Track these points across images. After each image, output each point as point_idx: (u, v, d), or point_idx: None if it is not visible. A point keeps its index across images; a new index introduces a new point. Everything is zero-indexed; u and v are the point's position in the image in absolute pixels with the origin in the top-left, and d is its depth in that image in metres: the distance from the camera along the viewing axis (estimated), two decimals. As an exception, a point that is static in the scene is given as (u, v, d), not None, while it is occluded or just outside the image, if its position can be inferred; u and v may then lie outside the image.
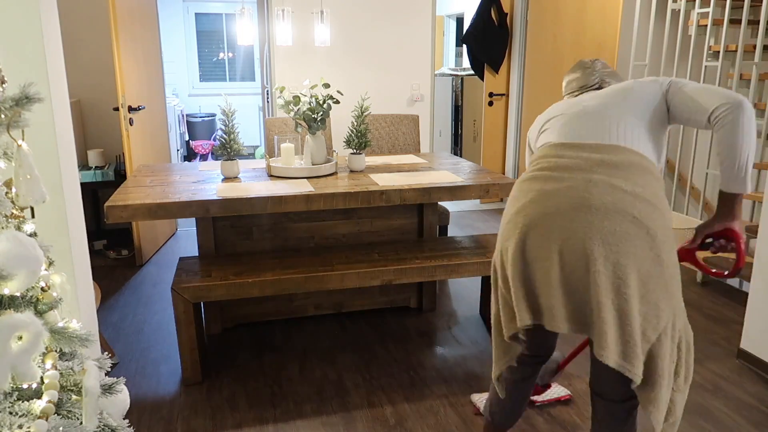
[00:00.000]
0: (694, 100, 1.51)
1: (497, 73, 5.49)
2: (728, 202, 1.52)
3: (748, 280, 2.89)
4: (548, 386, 2.35)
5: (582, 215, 1.44)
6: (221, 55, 8.49)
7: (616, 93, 1.64)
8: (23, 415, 1.13)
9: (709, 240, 1.63)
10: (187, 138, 8.04)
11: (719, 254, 1.70)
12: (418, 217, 3.17)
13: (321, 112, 2.93)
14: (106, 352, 2.01)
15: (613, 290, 1.43)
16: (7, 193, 1.33)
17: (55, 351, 1.34)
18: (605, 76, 1.78)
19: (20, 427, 1.08)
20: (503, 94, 5.54)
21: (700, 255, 1.69)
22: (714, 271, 1.73)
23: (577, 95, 1.79)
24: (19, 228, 1.34)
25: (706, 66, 4.27)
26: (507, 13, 5.35)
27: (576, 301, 1.48)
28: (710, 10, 4.16)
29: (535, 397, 2.40)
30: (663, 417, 1.52)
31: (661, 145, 1.60)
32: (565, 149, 1.58)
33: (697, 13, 4.31)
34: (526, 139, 5.79)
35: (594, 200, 1.45)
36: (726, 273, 1.67)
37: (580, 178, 1.49)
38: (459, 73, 6.74)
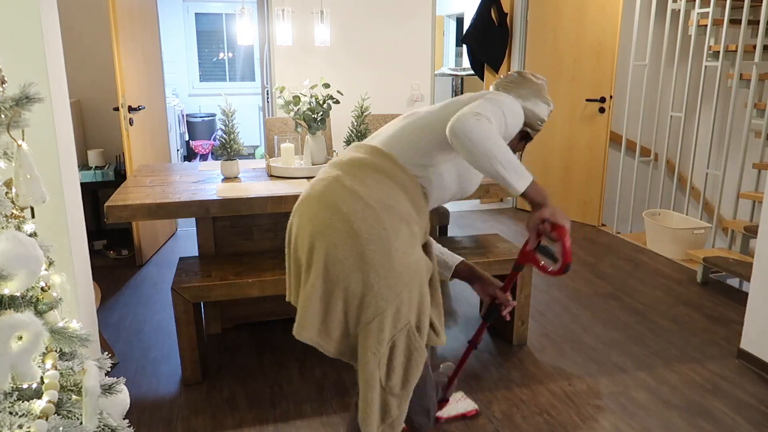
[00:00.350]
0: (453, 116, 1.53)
1: (497, 73, 5.49)
2: (525, 198, 1.55)
3: (748, 280, 2.89)
4: (446, 401, 2.26)
5: (310, 204, 1.57)
6: (221, 55, 8.49)
7: (444, 103, 1.71)
8: (23, 415, 1.13)
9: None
10: (187, 138, 8.04)
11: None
12: (418, 217, 3.17)
13: (321, 112, 2.93)
14: (106, 352, 2.01)
15: (320, 276, 1.51)
16: (7, 193, 1.33)
17: (55, 351, 1.34)
18: (506, 88, 1.78)
19: (20, 427, 1.08)
20: (503, 94, 5.54)
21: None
22: (544, 266, 1.65)
23: None
24: (19, 228, 1.34)
25: (706, 66, 4.27)
26: (507, 13, 5.35)
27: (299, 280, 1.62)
28: (710, 10, 4.16)
29: (439, 414, 2.25)
30: (369, 414, 1.54)
31: (444, 160, 1.61)
32: (347, 147, 1.74)
33: (697, 13, 4.31)
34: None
35: (319, 192, 1.57)
36: (551, 269, 1.61)
37: (326, 172, 1.63)
38: (459, 73, 6.74)
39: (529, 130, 1.77)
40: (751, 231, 3.67)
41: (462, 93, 6.71)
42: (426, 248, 1.70)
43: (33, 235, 1.40)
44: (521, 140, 1.80)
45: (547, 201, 1.52)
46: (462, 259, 1.91)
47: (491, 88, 1.82)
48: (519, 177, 1.46)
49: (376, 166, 1.57)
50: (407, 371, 1.57)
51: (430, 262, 1.64)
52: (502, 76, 1.81)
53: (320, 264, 1.51)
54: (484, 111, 1.49)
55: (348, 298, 1.51)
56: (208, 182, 2.84)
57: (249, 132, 8.21)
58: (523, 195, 1.51)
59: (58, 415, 1.23)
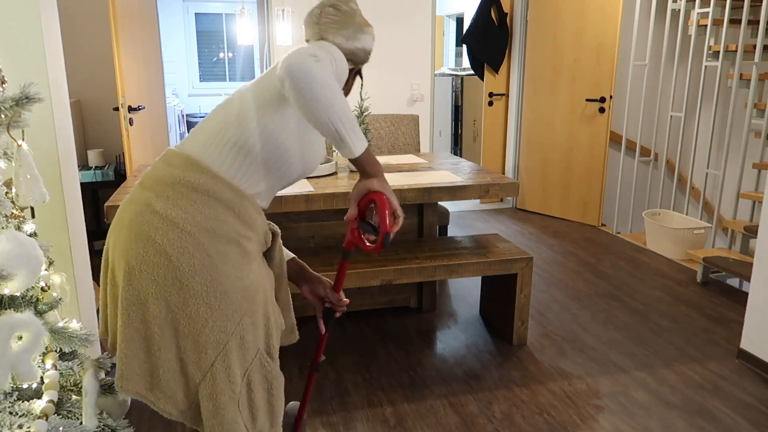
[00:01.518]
0: (275, 73, 1.33)
1: (497, 73, 5.49)
2: (356, 164, 1.37)
3: (748, 280, 2.89)
4: None
5: (116, 233, 1.35)
6: (221, 55, 8.49)
7: (254, 80, 1.44)
8: (23, 415, 1.13)
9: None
10: (187, 138, 8.03)
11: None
12: (418, 217, 3.17)
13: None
14: (106, 352, 2.01)
15: (139, 317, 1.29)
16: (7, 193, 1.33)
17: (55, 351, 1.34)
18: (326, 32, 1.47)
19: (20, 427, 1.08)
20: (503, 94, 5.55)
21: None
22: (367, 244, 1.47)
23: None
24: (19, 228, 1.34)
25: (706, 66, 4.27)
26: (507, 13, 5.35)
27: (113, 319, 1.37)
28: (710, 10, 4.16)
29: None
30: None
31: (275, 139, 1.38)
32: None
33: (697, 13, 4.31)
34: (525, 138, 5.81)
35: (125, 219, 1.34)
36: (371, 243, 1.44)
37: (133, 192, 1.38)
38: (459, 73, 6.74)
39: (359, 66, 1.56)
40: (751, 231, 3.67)
41: (462, 93, 6.71)
42: (269, 252, 1.52)
43: (33, 235, 1.40)
44: (354, 77, 1.58)
45: (378, 171, 1.37)
46: (293, 256, 1.69)
47: (311, 29, 1.50)
48: (357, 138, 1.28)
49: (189, 184, 1.32)
50: (271, 404, 1.40)
51: (271, 272, 1.49)
52: (316, 14, 1.49)
53: (139, 305, 1.29)
54: (321, 54, 1.28)
55: (180, 342, 1.30)
56: (208, 182, 2.84)
57: (249, 132, 8.20)
58: (356, 161, 1.34)
59: (58, 415, 1.23)
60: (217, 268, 1.30)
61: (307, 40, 1.50)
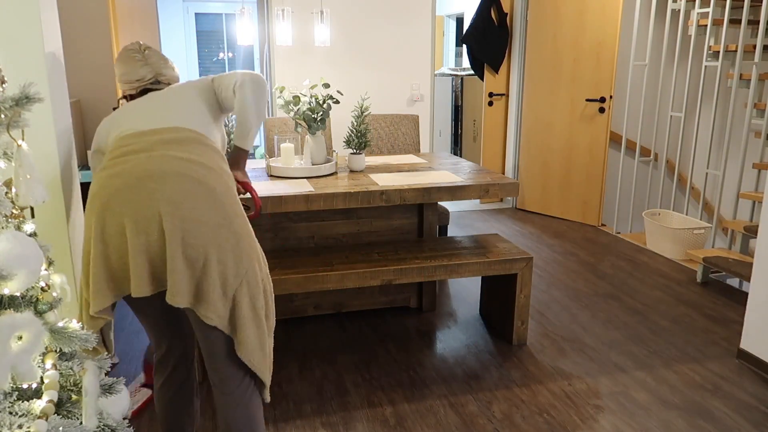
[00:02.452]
0: (225, 79, 1.85)
1: (497, 73, 5.49)
2: (237, 154, 1.91)
3: (748, 280, 2.89)
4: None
5: (145, 184, 1.57)
6: (221, 55, 8.48)
7: (178, 87, 1.86)
8: (23, 415, 1.13)
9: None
10: (187, 138, 8.03)
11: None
12: (418, 217, 3.17)
13: (321, 112, 2.93)
14: (106, 352, 2.01)
15: (182, 242, 1.54)
16: (7, 193, 1.33)
17: (55, 351, 1.34)
18: (160, 68, 1.91)
19: (20, 427, 1.08)
20: (503, 94, 5.55)
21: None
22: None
23: (138, 97, 1.87)
24: (19, 228, 1.34)
25: (706, 66, 4.27)
26: (507, 13, 5.35)
27: (157, 263, 1.58)
28: (710, 10, 4.16)
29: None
30: (256, 358, 1.65)
31: (220, 129, 1.87)
32: (129, 138, 1.69)
33: (697, 13, 4.31)
34: (525, 138, 5.81)
35: (154, 169, 1.59)
36: (252, 214, 1.98)
37: (142, 156, 1.63)
38: (459, 73, 6.74)
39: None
40: (751, 231, 3.67)
41: (462, 93, 6.71)
42: None
43: (33, 235, 1.40)
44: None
45: (245, 164, 1.97)
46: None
47: (142, 69, 1.88)
48: (254, 139, 1.88)
49: (201, 142, 1.71)
50: (268, 308, 1.72)
51: None
52: (152, 62, 1.91)
53: (184, 232, 1.54)
54: None
55: (221, 256, 1.57)
56: (208, 182, 2.84)
57: (249, 132, 8.20)
58: (241, 152, 1.91)
59: (58, 415, 1.23)
60: (235, 194, 1.70)
61: (154, 81, 1.90)
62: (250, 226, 1.71)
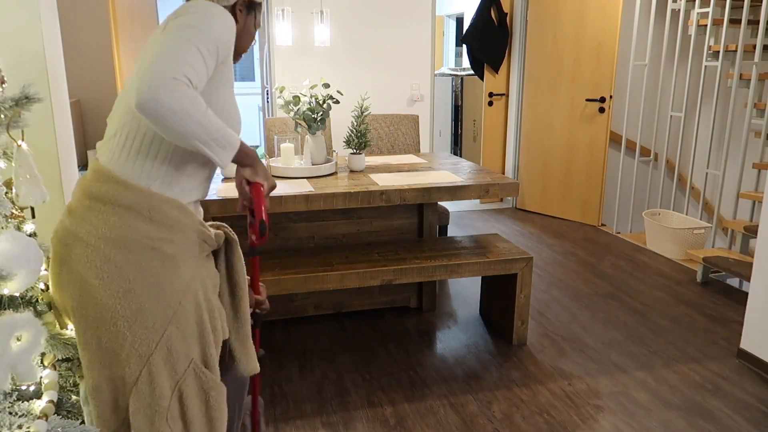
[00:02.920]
0: (137, 73, 1.21)
1: (497, 73, 5.49)
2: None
3: (748, 280, 2.89)
4: None
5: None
6: (221, 55, 8.48)
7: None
8: (23, 415, 1.12)
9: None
10: (187, 138, 8.03)
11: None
12: (418, 217, 3.17)
13: (321, 112, 2.93)
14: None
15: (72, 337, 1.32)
16: (7, 193, 1.33)
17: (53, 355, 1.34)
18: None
19: (20, 427, 1.08)
20: (503, 94, 5.54)
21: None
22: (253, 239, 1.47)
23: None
24: (19, 228, 1.34)
25: (706, 66, 4.27)
26: (507, 13, 5.35)
27: None
28: (710, 10, 4.16)
29: None
30: None
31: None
32: None
33: (697, 13, 4.31)
34: (525, 138, 5.80)
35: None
36: (253, 239, 1.46)
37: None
38: (459, 73, 6.74)
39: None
40: (751, 231, 3.67)
41: (462, 93, 6.71)
42: (228, 258, 1.50)
43: (33, 235, 1.40)
44: (249, 12, 1.48)
45: (252, 161, 1.37)
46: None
47: None
48: (223, 150, 1.26)
49: (92, 194, 1.29)
50: (210, 417, 1.34)
51: (216, 274, 1.43)
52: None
53: (67, 325, 1.33)
54: (178, 64, 1.17)
55: (104, 358, 1.26)
56: (208, 182, 2.84)
57: (249, 132, 8.21)
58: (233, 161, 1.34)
59: (58, 415, 1.23)
60: (129, 280, 1.25)
61: None
62: (161, 317, 1.27)
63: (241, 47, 1.49)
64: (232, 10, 1.42)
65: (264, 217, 1.38)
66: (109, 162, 1.30)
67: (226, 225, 1.52)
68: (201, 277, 1.36)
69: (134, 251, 1.26)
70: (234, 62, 1.46)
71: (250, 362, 1.49)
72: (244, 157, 1.36)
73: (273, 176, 2.94)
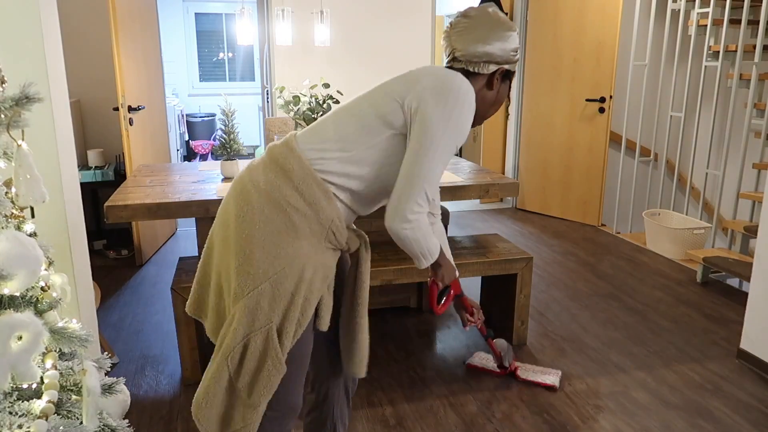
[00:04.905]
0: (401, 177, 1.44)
1: (497, 73, 5.49)
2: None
3: (748, 280, 2.89)
4: (504, 368, 2.59)
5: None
6: (221, 55, 8.48)
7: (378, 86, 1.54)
8: (23, 415, 1.13)
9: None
10: (187, 138, 8.04)
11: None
12: (418, 217, 3.17)
13: (321, 112, 2.93)
14: (106, 352, 2.01)
15: (207, 252, 1.59)
16: (7, 193, 1.33)
17: (55, 351, 1.34)
18: (455, 42, 1.51)
19: (20, 427, 1.08)
20: (503, 94, 5.54)
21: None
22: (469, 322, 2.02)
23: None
24: (19, 228, 1.34)
25: (706, 66, 4.27)
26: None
27: None
28: (710, 10, 4.16)
29: (518, 373, 2.58)
30: (208, 409, 1.44)
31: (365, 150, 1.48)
32: None
33: (697, 13, 4.31)
34: (525, 138, 5.80)
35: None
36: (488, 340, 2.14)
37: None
38: (459, 73, 6.74)
39: (506, 66, 1.54)
40: (751, 231, 3.67)
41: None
42: (355, 262, 1.60)
43: (33, 235, 1.40)
44: (504, 81, 1.58)
45: (443, 267, 1.70)
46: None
47: (444, 44, 1.55)
48: (425, 260, 1.56)
49: (271, 153, 1.49)
50: (255, 380, 1.41)
51: (331, 267, 1.50)
52: (447, 29, 1.54)
53: (209, 241, 1.58)
54: (426, 192, 1.42)
55: (222, 282, 1.50)
56: (207, 182, 2.84)
57: (249, 132, 8.21)
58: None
59: (58, 415, 1.23)
60: (256, 226, 1.40)
61: (450, 59, 1.55)
62: (260, 271, 1.40)
63: (486, 114, 1.61)
64: (490, 78, 1.54)
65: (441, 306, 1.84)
66: (302, 140, 1.48)
67: (365, 236, 1.63)
68: (314, 260, 1.44)
69: (270, 206, 1.41)
70: (474, 126, 1.57)
71: (351, 366, 1.62)
72: (438, 266, 1.69)
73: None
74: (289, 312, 1.40)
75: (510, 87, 1.62)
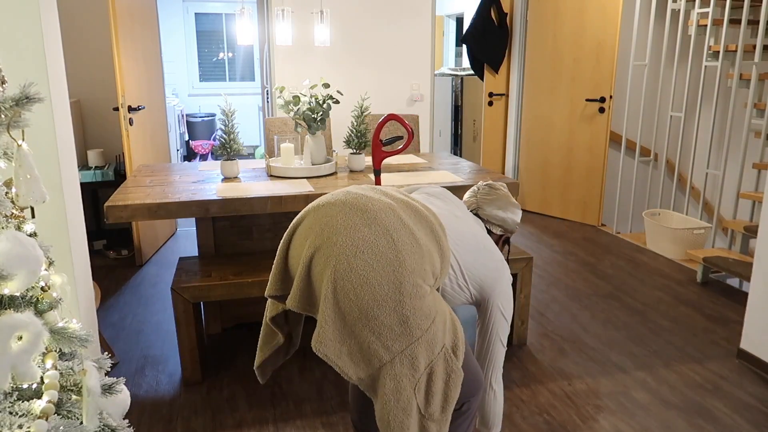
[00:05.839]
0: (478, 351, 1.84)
1: (497, 73, 5.49)
2: None
3: (748, 280, 2.89)
4: None
5: (340, 210, 1.59)
6: (221, 55, 8.49)
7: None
8: (23, 415, 1.13)
9: None
10: (187, 138, 8.04)
11: None
12: (418, 217, 3.17)
13: (321, 112, 2.93)
14: (106, 352, 2.01)
15: (345, 293, 1.56)
16: (7, 193, 1.33)
17: (55, 351, 1.34)
18: (483, 203, 1.93)
19: (20, 427, 1.08)
20: (503, 94, 5.54)
21: None
22: None
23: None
24: (19, 228, 1.34)
25: (706, 66, 4.27)
26: (507, 13, 5.35)
27: None
28: (710, 10, 4.16)
29: None
30: None
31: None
32: None
33: (697, 13, 4.31)
34: (525, 138, 5.80)
35: (359, 203, 1.59)
36: None
37: (371, 194, 1.66)
38: (459, 73, 6.74)
39: (509, 234, 1.96)
40: (751, 231, 3.67)
41: (462, 93, 6.71)
42: None
43: (33, 235, 1.40)
44: (504, 245, 1.97)
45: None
46: None
47: (470, 199, 1.94)
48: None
49: (425, 219, 1.59)
50: (446, 393, 1.55)
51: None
52: (475, 190, 1.95)
53: (350, 282, 1.45)
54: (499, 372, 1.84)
55: (376, 327, 1.45)
56: (207, 182, 2.84)
57: (249, 132, 8.21)
58: None
59: (58, 415, 1.23)
60: (424, 279, 1.51)
61: (474, 211, 1.92)
62: (433, 308, 1.52)
63: None
64: (497, 240, 1.94)
65: None
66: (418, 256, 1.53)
67: None
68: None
69: (429, 265, 1.55)
70: None
71: None
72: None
73: (273, 176, 2.95)
74: (455, 330, 1.58)
75: (509, 251, 2.02)
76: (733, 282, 3.72)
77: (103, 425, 1.39)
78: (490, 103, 5.59)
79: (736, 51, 4.07)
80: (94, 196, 4.49)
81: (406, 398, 1.47)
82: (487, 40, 5.36)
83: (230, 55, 8.52)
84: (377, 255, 1.45)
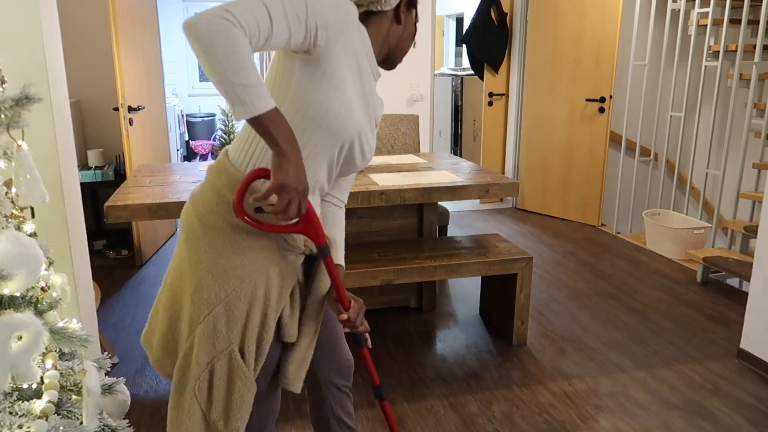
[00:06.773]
0: None
1: (497, 73, 5.49)
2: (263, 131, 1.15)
3: (748, 280, 2.89)
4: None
5: None
6: (221, 55, 8.48)
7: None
8: (23, 415, 1.13)
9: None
10: (186, 138, 8.04)
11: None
12: (418, 217, 3.17)
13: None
14: (106, 352, 2.01)
15: (163, 287, 1.54)
16: (7, 193, 1.33)
17: (55, 351, 1.34)
18: None
19: (20, 427, 1.08)
20: (503, 94, 5.55)
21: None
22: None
23: None
24: (19, 228, 1.34)
25: (705, 66, 4.27)
26: (507, 13, 5.35)
27: None
28: (710, 10, 4.16)
29: None
30: None
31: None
32: None
33: (697, 13, 4.31)
34: (525, 138, 5.79)
35: None
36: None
37: None
38: (459, 73, 6.74)
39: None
40: (751, 231, 3.67)
41: (462, 93, 6.70)
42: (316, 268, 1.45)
43: (33, 235, 1.40)
44: (409, 10, 1.46)
45: (278, 146, 1.14)
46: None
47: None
48: (242, 108, 1.10)
49: (209, 169, 1.39)
50: (229, 405, 1.37)
51: (288, 275, 1.38)
52: None
53: (166, 276, 1.52)
54: (236, 7, 1.10)
55: (172, 312, 1.44)
56: (208, 182, 2.84)
57: (249, 132, 8.20)
58: (255, 121, 1.12)
59: (58, 415, 1.23)
60: (201, 252, 1.34)
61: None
62: (212, 292, 1.33)
63: (404, 49, 1.49)
64: (396, 12, 1.42)
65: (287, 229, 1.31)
66: (231, 149, 1.38)
67: (327, 236, 1.41)
68: (268, 272, 1.35)
69: (211, 229, 1.34)
70: (391, 67, 1.48)
71: (289, 380, 1.46)
72: (268, 135, 1.13)
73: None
74: (248, 330, 1.35)
75: (416, 15, 1.50)
76: (733, 282, 3.72)
77: (103, 425, 1.39)
78: (490, 103, 5.59)
79: (736, 51, 4.07)
80: (94, 196, 4.48)
81: (188, 395, 1.36)
82: (487, 40, 5.36)
83: (230, 55, 8.51)
84: (178, 246, 1.47)
